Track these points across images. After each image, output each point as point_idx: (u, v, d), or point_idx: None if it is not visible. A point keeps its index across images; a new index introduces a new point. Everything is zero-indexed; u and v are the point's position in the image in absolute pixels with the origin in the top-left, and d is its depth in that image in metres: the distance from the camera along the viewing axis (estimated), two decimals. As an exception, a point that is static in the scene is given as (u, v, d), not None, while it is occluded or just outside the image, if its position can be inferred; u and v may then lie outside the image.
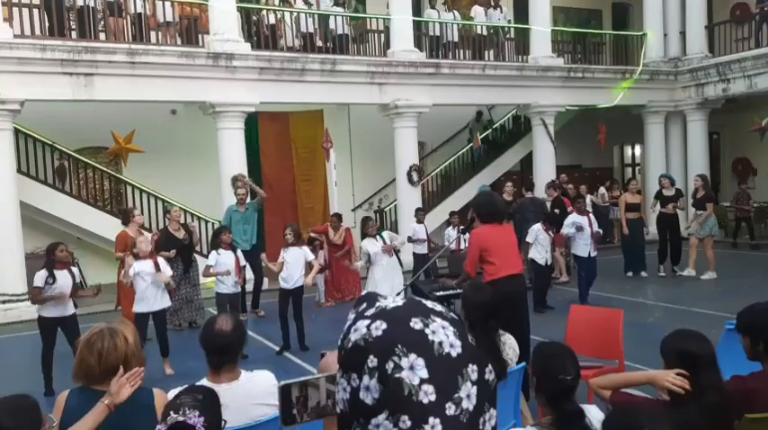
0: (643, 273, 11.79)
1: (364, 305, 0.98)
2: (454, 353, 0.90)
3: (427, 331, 0.91)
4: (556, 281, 11.16)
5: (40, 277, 6.52)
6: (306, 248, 8.13)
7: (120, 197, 13.54)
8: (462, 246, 10.96)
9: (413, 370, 0.88)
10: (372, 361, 0.90)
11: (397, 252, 8.67)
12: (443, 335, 0.91)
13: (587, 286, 9.67)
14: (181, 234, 9.25)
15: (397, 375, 0.88)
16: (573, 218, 9.88)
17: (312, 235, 11.00)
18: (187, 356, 6.99)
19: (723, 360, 2.83)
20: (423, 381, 0.87)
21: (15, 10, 10.88)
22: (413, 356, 0.88)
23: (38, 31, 10.99)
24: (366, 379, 0.90)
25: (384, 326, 0.92)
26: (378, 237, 8.30)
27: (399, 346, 0.89)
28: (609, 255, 12.70)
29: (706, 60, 16.19)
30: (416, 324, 0.91)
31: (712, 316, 7.95)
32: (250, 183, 10.78)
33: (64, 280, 6.59)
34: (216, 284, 7.92)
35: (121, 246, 8.42)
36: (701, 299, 9.53)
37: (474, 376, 0.91)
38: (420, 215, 11.64)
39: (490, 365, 0.94)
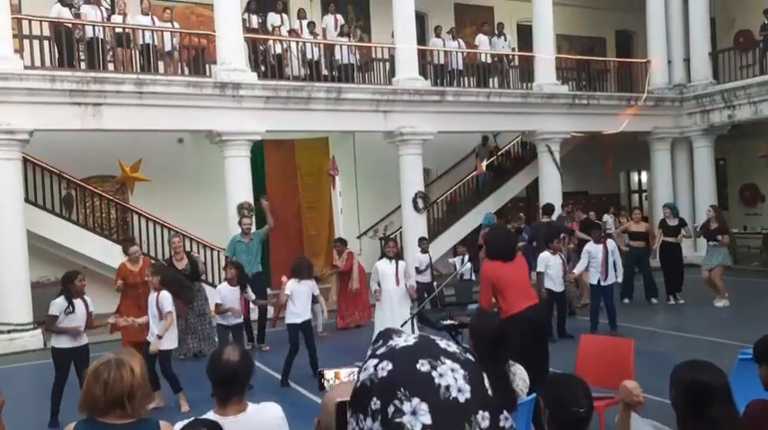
0: (653, 300, 11.74)
1: (380, 342, 0.96)
2: (462, 399, 0.86)
3: (434, 374, 0.87)
4: (579, 305, 11.13)
5: (58, 306, 6.46)
6: (313, 282, 8.05)
7: (127, 226, 13.56)
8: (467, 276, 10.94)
9: (415, 415, 0.84)
10: (375, 403, 0.87)
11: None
12: (451, 378, 0.87)
13: (611, 316, 9.56)
14: (182, 264, 9.15)
15: (397, 420, 0.85)
16: (588, 247, 9.94)
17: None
18: (191, 387, 6.93)
19: (737, 391, 2.78)
20: (425, 427, 0.84)
21: (26, 42, 11.04)
22: (416, 400, 0.85)
23: (48, 62, 11.14)
24: (369, 421, 0.88)
25: (390, 367, 0.89)
26: (393, 260, 8.19)
27: (402, 389, 0.86)
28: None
29: (711, 87, 16.25)
30: (423, 366, 0.88)
31: (725, 344, 7.84)
32: (266, 207, 10.60)
33: (80, 309, 6.57)
34: (216, 316, 7.85)
35: (119, 278, 8.30)
36: (712, 327, 9.43)
37: (485, 423, 0.87)
38: (424, 244, 11.62)
39: (506, 412, 0.90)
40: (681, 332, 9.45)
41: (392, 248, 8.31)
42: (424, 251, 11.43)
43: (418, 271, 11.23)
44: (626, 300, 11.76)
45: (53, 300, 6.61)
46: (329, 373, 1.91)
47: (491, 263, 5.56)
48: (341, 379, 1.90)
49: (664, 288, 11.86)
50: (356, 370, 1.89)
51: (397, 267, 8.11)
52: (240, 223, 10.48)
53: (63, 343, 6.52)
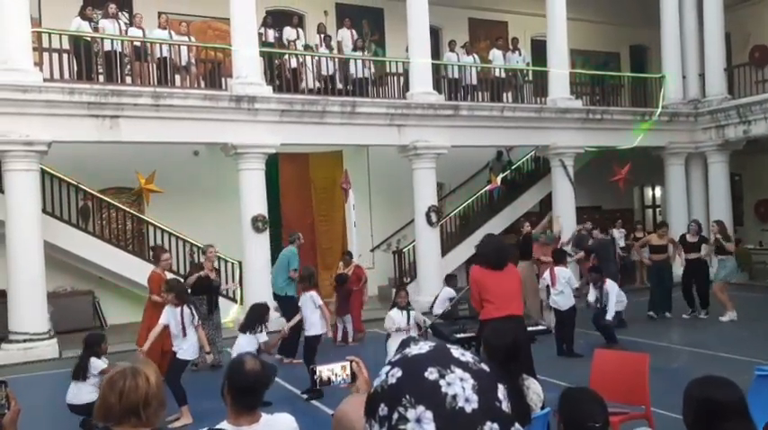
0: (667, 314, 11.68)
1: (400, 349, 0.97)
2: (469, 409, 0.86)
3: (441, 382, 0.87)
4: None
5: (100, 362, 6.58)
6: (314, 293, 7.86)
7: (143, 237, 13.66)
8: None
9: (420, 423, 0.85)
10: (383, 409, 0.88)
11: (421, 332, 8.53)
12: (459, 387, 0.87)
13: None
14: (213, 275, 9.42)
15: (401, 427, 0.85)
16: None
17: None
18: (204, 397, 6.94)
19: (755, 408, 2.74)
20: None
21: (46, 55, 11.21)
22: (420, 408, 0.85)
23: (66, 75, 11.30)
24: (377, 427, 0.89)
25: (399, 373, 0.90)
26: (404, 311, 8.03)
27: (407, 397, 0.86)
28: (633, 297, 12.51)
29: (726, 102, 16.17)
30: (431, 374, 0.88)
31: (741, 361, 7.76)
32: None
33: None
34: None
35: (156, 288, 8.37)
36: (728, 343, 9.33)
37: None
38: (453, 281, 11.68)
39: (517, 424, 0.90)
40: (696, 348, 9.35)
41: (403, 298, 8.15)
42: (453, 286, 11.48)
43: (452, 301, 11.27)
44: (668, 314, 11.76)
45: (85, 365, 6.65)
46: (325, 371, 1.95)
47: (477, 267, 5.87)
48: (337, 372, 1.94)
49: (681, 302, 11.81)
50: (348, 363, 1.96)
51: (408, 318, 7.95)
52: (299, 239, 10.78)
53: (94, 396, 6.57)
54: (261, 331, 7.44)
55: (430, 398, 0.86)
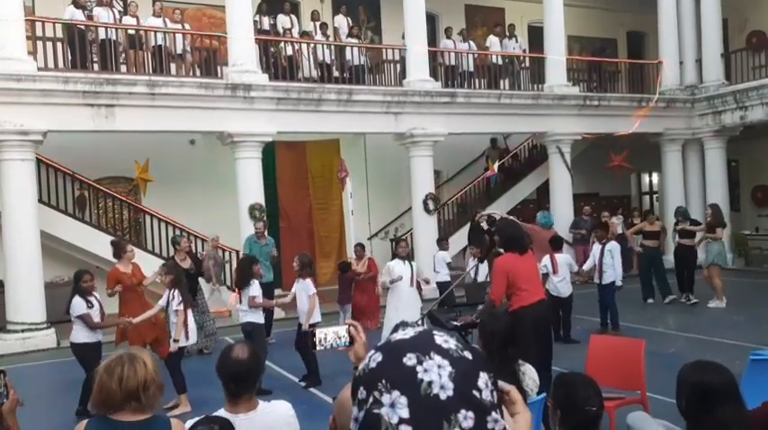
0: (668, 298, 11.75)
1: (391, 333, 0.98)
2: (443, 396, 0.86)
3: (419, 369, 0.87)
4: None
5: (81, 305, 6.65)
6: (308, 281, 7.70)
7: (139, 226, 13.66)
8: (481, 277, 10.86)
9: (393, 407, 0.85)
10: (362, 393, 0.89)
11: (419, 287, 8.56)
12: (436, 374, 0.87)
13: (612, 315, 9.58)
14: (186, 264, 9.28)
15: (375, 411, 0.86)
16: (593, 247, 10.04)
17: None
18: (202, 385, 6.96)
19: (748, 392, 2.76)
20: (402, 421, 0.84)
21: (39, 43, 11.14)
22: (396, 393, 0.86)
23: (61, 64, 11.24)
24: (355, 410, 0.90)
25: (379, 358, 0.91)
26: (406, 261, 8.11)
27: (383, 381, 0.87)
28: (628, 283, 12.55)
29: (723, 88, 16.13)
30: (410, 360, 0.88)
31: (736, 346, 7.80)
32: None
33: (96, 305, 6.78)
34: (246, 314, 7.54)
35: (112, 284, 7.96)
36: (723, 328, 9.37)
37: (467, 423, 0.85)
38: (444, 244, 11.63)
39: (494, 414, 0.89)
40: (692, 333, 9.39)
41: (404, 248, 8.28)
42: (446, 249, 11.46)
43: (450, 267, 11.23)
44: (650, 300, 11.83)
45: (70, 302, 6.68)
46: (323, 334, 1.95)
47: (507, 255, 5.69)
48: (336, 335, 1.95)
49: (676, 287, 11.86)
50: (346, 327, 1.97)
51: (411, 269, 8.04)
52: (255, 225, 10.75)
53: (83, 338, 6.64)
54: (252, 284, 7.46)
55: (405, 383, 0.86)
